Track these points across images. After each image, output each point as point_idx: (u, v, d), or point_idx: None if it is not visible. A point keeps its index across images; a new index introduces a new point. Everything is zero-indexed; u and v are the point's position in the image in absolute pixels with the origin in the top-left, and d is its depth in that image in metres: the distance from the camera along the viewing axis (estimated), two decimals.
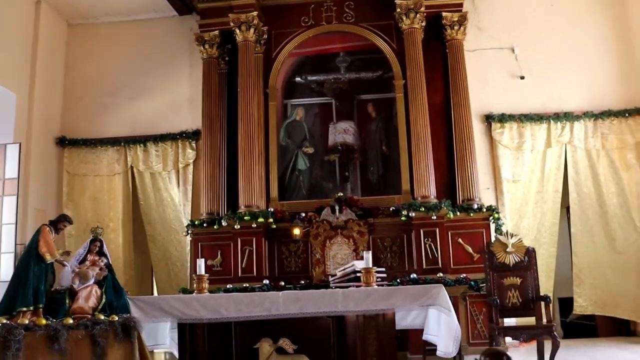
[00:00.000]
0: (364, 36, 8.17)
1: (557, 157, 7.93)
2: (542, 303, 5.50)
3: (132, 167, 8.54)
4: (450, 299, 4.57)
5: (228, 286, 6.87)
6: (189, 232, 7.58)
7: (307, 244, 7.26)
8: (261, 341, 4.40)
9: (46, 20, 8.46)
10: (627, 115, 7.91)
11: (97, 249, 4.91)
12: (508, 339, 6.27)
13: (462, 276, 6.66)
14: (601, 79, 8.14)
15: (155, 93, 8.75)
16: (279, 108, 8.33)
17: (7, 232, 6.93)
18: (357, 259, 6.41)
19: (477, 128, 7.95)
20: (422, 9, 7.66)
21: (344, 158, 8.32)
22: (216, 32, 8.07)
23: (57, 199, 8.46)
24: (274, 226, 7.30)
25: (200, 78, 8.16)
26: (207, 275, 5.28)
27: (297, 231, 7.19)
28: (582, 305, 7.65)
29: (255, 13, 7.85)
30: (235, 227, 7.16)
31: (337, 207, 7.27)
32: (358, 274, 4.90)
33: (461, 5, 7.92)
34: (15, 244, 6.87)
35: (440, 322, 4.51)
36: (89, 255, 4.83)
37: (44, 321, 3.86)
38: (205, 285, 5.16)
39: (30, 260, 4.38)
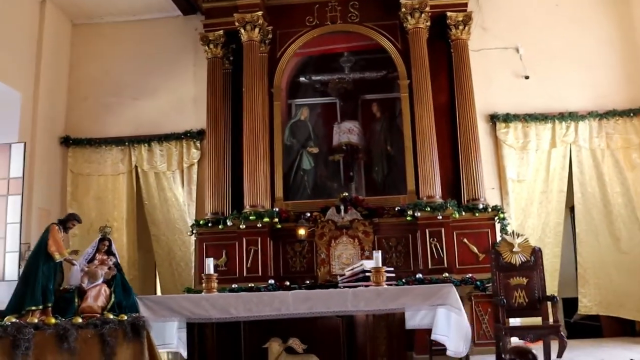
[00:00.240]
0: (368, 36, 8.18)
1: (561, 156, 7.93)
2: (549, 303, 5.49)
3: (136, 166, 8.53)
4: None
5: (233, 286, 6.88)
6: (194, 232, 7.58)
7: (312, 244, 7.27)
8: (270, 341, 4.41)
9: (51, 20, 8.45)
10: (631, 115, 7.92)
11: (106, 248, 4.91)
12: (514, 339, 6.26)
13: (467, 276, 6.67)
14: (606, 79, 8.14)
15: (160, 93, 8.74)
16: (283, 108, 8.33)
17: (11, 231, 6.91)
18: (362, 259, 6.42)
19: (482, 128, 7.95)
20: (427, 8, 7.66)
21: (348, 158, 8.31)
22: (221, 32, 8.05)
23: (62, 198, 8.45)
24: (279, 226, 7.31)
25: (204, 78, 8.15)
26: (215, 274, 5.28)
27: (302, 231, 7.20)
28: (586, 306, 7.65)
29: (260, 13, 7.85)
30: (241, 227, 7.16)
31: (342, 207, 7.28)
32: (367, 274, 4.89)
33: (466, 5, 7.91)
34: (20, 243, 6.85)
35: (449, 322, 4.51)
36: (97, 254, 4.83)
37: (53, 320, 3.87)
38: (214, 284, 5.17)
39: (39, 259, 4.36)
